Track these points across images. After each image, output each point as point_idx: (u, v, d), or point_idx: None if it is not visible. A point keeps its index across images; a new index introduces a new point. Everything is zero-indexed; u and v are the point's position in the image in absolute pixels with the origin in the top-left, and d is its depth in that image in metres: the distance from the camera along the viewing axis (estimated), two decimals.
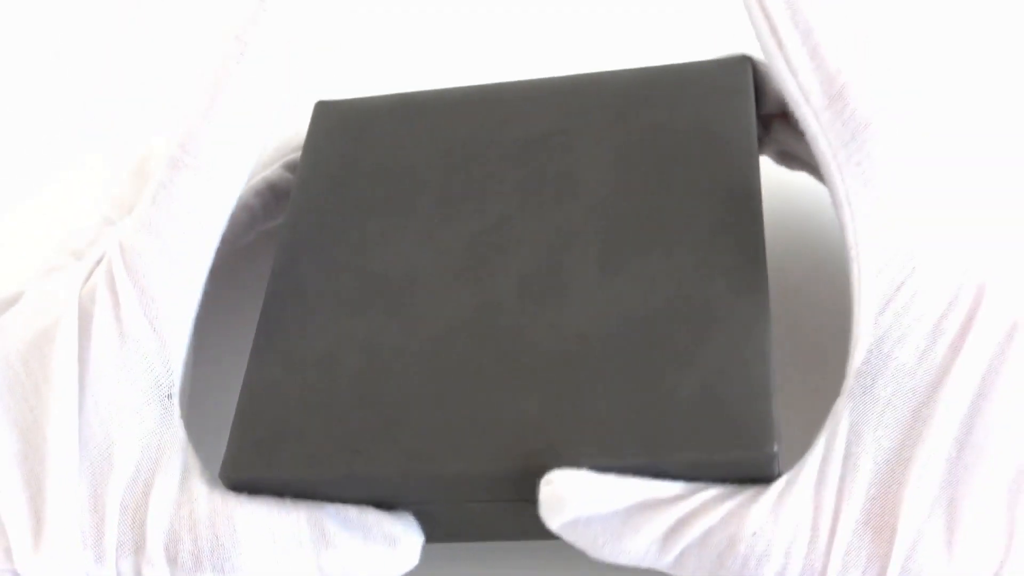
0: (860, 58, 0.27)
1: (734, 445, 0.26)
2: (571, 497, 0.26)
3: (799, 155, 0.34)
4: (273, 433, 0.29)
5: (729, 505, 0.26)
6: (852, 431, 0.26)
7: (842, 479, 0.25)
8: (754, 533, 0.25)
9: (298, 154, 0.36)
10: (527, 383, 0.28)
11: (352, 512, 0.28)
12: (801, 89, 0.27)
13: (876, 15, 0.30)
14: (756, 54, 0.32)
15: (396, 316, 0.30)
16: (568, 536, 0.27)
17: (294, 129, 0.37)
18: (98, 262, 0.31)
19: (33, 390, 0.29)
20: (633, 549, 0.26)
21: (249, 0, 0.30)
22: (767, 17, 0.28)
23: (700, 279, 0.28)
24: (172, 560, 0.28)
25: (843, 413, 0.26)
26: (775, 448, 0.26)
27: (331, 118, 0.36)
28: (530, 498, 0.27)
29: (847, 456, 0.26)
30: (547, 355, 0.28)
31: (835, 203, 0.27)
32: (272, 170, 0.36)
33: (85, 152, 0.45)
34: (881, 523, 0.25)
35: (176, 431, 0.29)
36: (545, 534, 0.27)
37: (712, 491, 0.26)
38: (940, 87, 0.32)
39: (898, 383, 0.26)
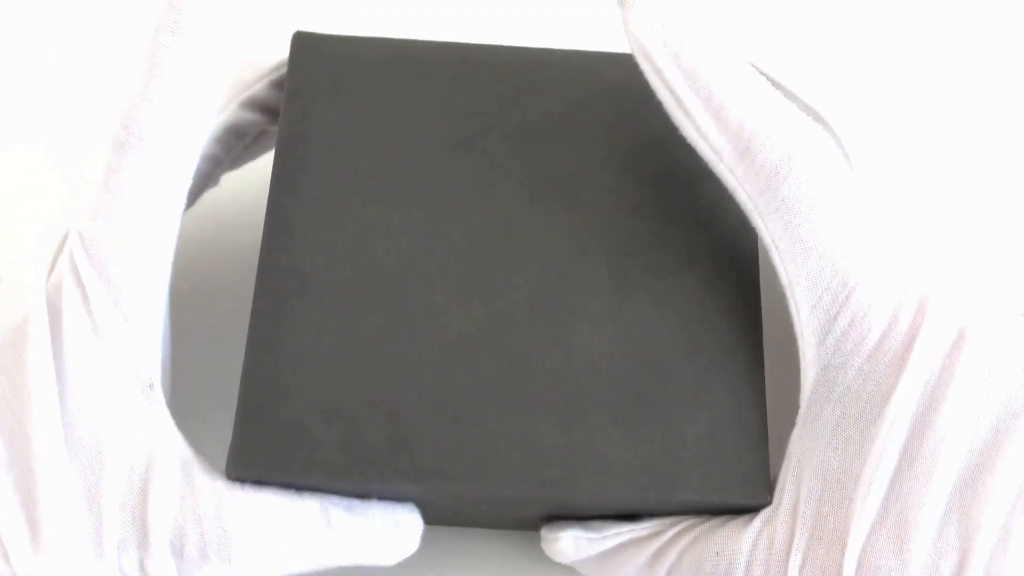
0: (764, 106, 0.28)
1: (735, 492, 0.28)
2: (569, 549, 0.30)
3: None
4: (281, 433, 0.28)
5: (696, 532, 0.29)
6: (804, 455, 0.28)
7: (796, 502, 0.28)
8: (717, 552, 0.28)
9: (255, 88, 0.33)
10: (540, 407, 0.29)
11: (356, 499, 0.29)
12: (713, 150, 0.28)
13: (774, 60, 0.32)
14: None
15: (404, 319, 0.29)
16: (576, 566, 0.31)
17: (245, 61, 0.34)
18: (59, 251, 0.29)
19: (12, 391, 0.27)
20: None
21: None
22: (670, 89, 0.28)
23: (702, 313, 0.30)
24: (178, 553, 0.28)
25: (797, 441, 0.28)
26: (767, 496, 0.28)
27: (314, 58, 0.32)
28: (536, 513, 0.29)
29: (800, 481, 0.28)
30: (558, 379, 0.29)
31: (766, 248, 0.29)
32: (229, 111, 0.33)
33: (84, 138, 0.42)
34: (833, 536, 0.27)
35: (164, 421, 0.28)
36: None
37: (686, 522, 0.29)
38: (858, 114, 0.34)
39: (844, 406, 0.28)
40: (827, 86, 0.40)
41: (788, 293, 0.28)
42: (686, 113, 0.28)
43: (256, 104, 0.33)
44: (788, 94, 0.31)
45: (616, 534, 0.30)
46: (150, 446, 0.28)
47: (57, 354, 0.28)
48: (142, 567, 0.28)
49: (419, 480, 0.28)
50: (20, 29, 0.45)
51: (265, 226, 0.30)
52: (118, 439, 0.28)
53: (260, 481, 0.28)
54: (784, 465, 0.28)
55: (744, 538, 0.28)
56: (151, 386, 0.28)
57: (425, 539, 0.30)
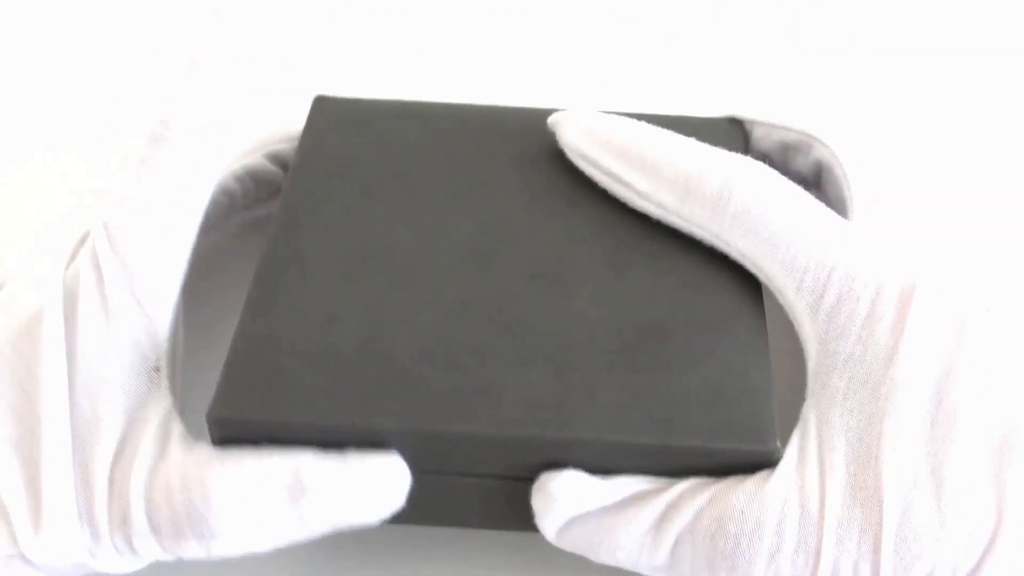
0: (689, 153, 0.31)
1: (741, 438, 0.27)
2: (562, 495, 0.27)
3: None
4: (266, 378, 0.28)
5: (714, 488, 0.27)
6: (820, 420, 0.27)
7: (820, 460, 0.27)
8: (742, 511, 0.26)
9: (281, 146, 0.36)
10: (537, 360, 0.28)
11: (332, 455, 0.27)
12: (660, 206, 0.31)
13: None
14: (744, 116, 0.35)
15: (401, 288, 0.30)
16: (565, 543, 0.28)
17: (279, 123, 0.37)
18: (81, 243, 0.31)
19: (26, 373, 0.28)
20: (627, 542, 0.27)
21: None
22: (608, 173, 0.32)
23: (700, 288, 0.30)
24: (156, 530, 0.27)
25: (810, 411, 0.28)
26: (777, 443, 0.27)
27: (330, 114, 0.36)
28: (529, 477, 0.27)
29: (821, 441, 0.27)
30: (557, 338, 0.29)
31: (746, 266, 0.30)
32: (254, 158, 0.36)
33: (82, 140, 0.45)
34: (867, 496, 0.26)
35: (164, 403, 0.29)
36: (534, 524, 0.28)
37: (697, 480, 0.27)
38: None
39: (851, 372, 0.28)
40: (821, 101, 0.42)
41: (771, 288, 0.30)
42: (627, 185, 0.31)
43: (278, 159, 0.36)
44: (776, 128, 0.34)
45: (622, 484, 0.27)
46: (143, 426, 0.28)
47: (69, 336, 0.29)
48: (130, 545, 0.27)
49: (408, 422, 0.27)
50: (17, 32, 0.48)
51: (274, 225, 0.32)
52: (115, 417, 0.28)
53: (244, 424, 0.27)
54: (799, 429, 0.28)
55: (771, 494, 0.26)
56: (157, 369, 0.29)
57: (420, 544, 0.30)
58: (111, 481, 0.28)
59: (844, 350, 0.28)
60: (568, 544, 0.28)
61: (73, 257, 0.31)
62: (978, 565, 0.26)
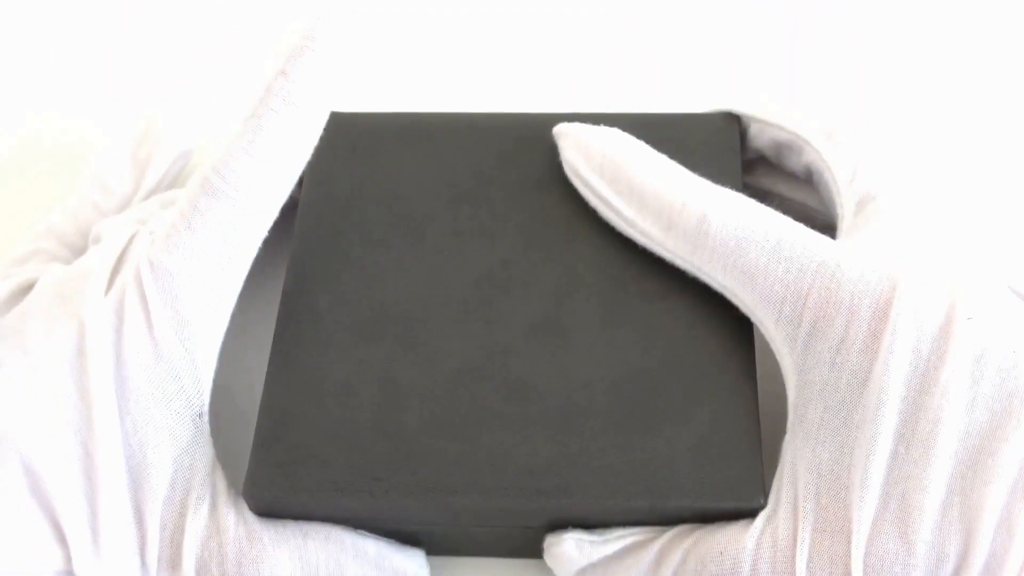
0: (674, 183, 0.31)
1: (728, 496, 0.29)
2: (568, 556, 0.30)
3: (775, 194, 0.36)
4: (294, 455, 0.30)
5: (701, 531, 0.29)
6: (796, 456, 0.28)
7: (795, 498, 0.28)
8: (721, 552, 0.28)
9: None
10: (537, 426, 0.30)
11: (371, 548, 0.31)
12: (644, 235, 0.32)
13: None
14: (740, 111, 0.35)
15: (410, 350, 0.31)
16: None
17: None
18: (114, 270, 0.31)
19: (65, 398, 0.29)
20: None
21: (293, 31, 0.31)
22: (598, 196, 0.33)
23: (692, 335, 0.31)
24: None
25: (787, 447, 0.29)
26: (762, 499, 0.29)
27: (342, 131, 0.36)
28: (536, 525, 0.30)
29: (796, 477, 0.28)
30: (554, 401, 0.30)
31: (730, 299, 0.31)
32: None
33: (75, 123, 0.45)
34: (836, 527, 0.27)
35: (206, 450, 0.30)
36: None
37: (686, 526, 0.29)
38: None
39: (825, 402, 0.28)
40: (822, 109, 0.41)
41: (755, 320, 0.30)
42: (616, 212, 0.32)
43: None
44: (770, 126, 0.34)
45: (619, 536, 0.30)
46: (190, 473, 0.30)
47: (118, 376, 0.30)
48: None
49: (420, 495, 0.29)
50: (16, 35, 0.48)
51: (287, 271, 0.33)
52: (164, 461, 0.30)
53: (276, 501, 0.30)
54: (778, 471, 0.29)
55: (747, 537, 0.28)
56: (200, 415, 0.30)
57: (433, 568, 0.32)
58: (162, 526, 0.29)
59: (819, 379, 0.28)
60: None
61: (110, 285, 0.31)
62: None
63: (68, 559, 0.29)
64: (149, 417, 0.30)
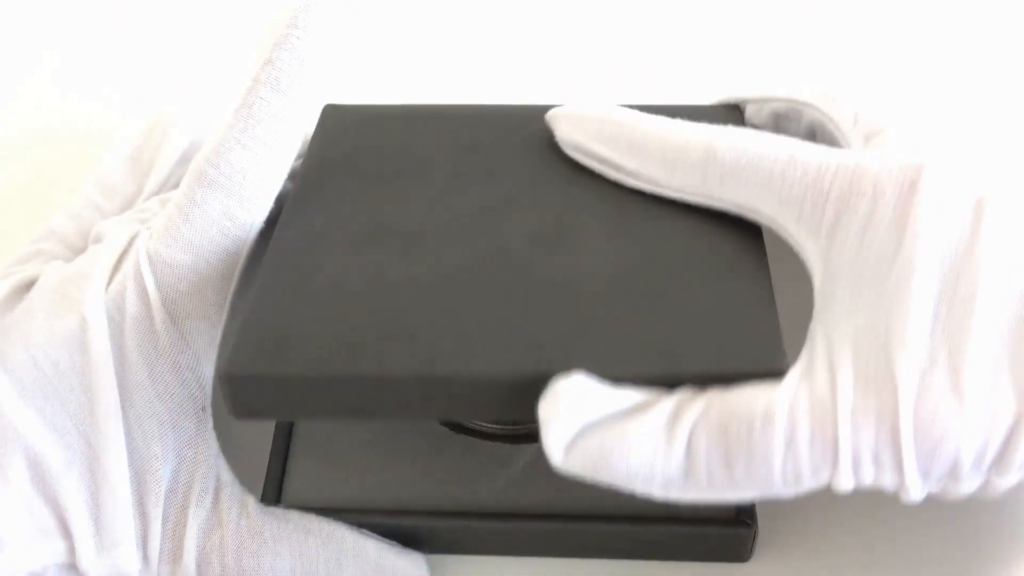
0: (671, 130, 0.31)
1: (748, 360, 0.26)
2: (569, 395, 0.26)
3: None
4: (278, 336, 0.28)
5: (722, 389, 0.26)
6: (828, 330, 0.27)
7: (830, 360, 0.26)
8: (754, 397, 0.26)
9: (298, 161, 0.37)
10: (539, 306, 0.28)
11: (371, 548, 0.31)
12: (651, 182, 0.32)
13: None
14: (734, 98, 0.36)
15: (407, 256, 0.30)
16: (574, 461, 0.26)
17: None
18: (115, 267, 0.31)
19: (68, 393, 0.30)
20: (640, 444, 0.26)
21: (278, 20, 0.31)
22: (600, 159, 0.33)
23: (700, 242, 0.30)
24: None
25: (817, 327, 0.27)
26: (785, 360, 0.26)
27: (338, 121, 0.36)
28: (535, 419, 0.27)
29: (829, 345, 0.26)
30: (559, 287, 0.29)
31: (744, 216, 0.30)
32: None
33: (83, 115, 0.46)
34: (880, 383, 0.25)
35: (210, 443, 0.31)
36: (543, 548, 0.30)
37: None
38: None
39: (856, 276, 0.27)
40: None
41: (774, 228, 0.30)
42: (618, 168, 0.32)
43: (292, 174, 0.37)
44: (766, 101, 0.35)
45: (631, 393, 0.26)
46: (194, 466, 0.30)
47: (121, 371, 0.30)
48: None
49: (414, 367, 0.27)
50: (13, 38, 0.49)
51: (284, 212, 0.32)
52: (168, 455, 0.30)
53: (255, 380, 0.27)
54: (807, 346, 0.27)
55: (780, 390, 0.26)
56: (204, 409, 0.31)
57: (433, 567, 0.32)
58: (164, 519, 0.30)
59: (847, 259, 0.27)
60: (576, 459, 0.26)
61: (110, 280, 0.31)
62: (1005, 448, 0.25)
63: (71, 552, 0.29)
64: (152, 410, 0.30)
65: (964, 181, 0.27)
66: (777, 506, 0.31)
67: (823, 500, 0.32)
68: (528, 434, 0.32)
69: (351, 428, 0.33)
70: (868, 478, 0.25)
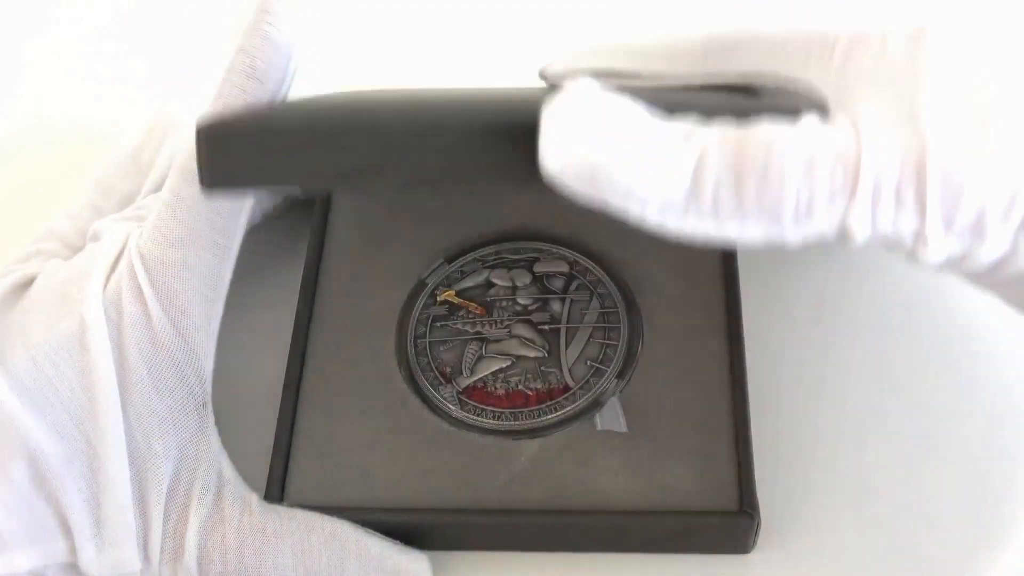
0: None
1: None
2: (577, 97, 0.24)
3: None
4: (253, 138, 0.27)
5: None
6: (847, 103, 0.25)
7: (853, 113, 0.24)
8: (772, 122, 0.24)
9: None
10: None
11: (374, 547, 0.31)
12: (676, 78, 0.30)
13: None
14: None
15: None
16: (569, 170, 0.23)
17: None
18: (112, 267, 0.31)
19: (68, 393, 0.30)
20: (645, 161, 0.23)
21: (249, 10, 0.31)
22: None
23: None
24: (204, 575, 0.30)
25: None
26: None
27: None
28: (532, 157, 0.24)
29: (852, 103, 0.25)
30: None
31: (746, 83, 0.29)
32: None
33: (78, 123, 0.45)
34: (908, 124, 0.24)
35: (211, 440, 0.31)
36: (545, 543, 0.30)
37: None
38: None
39: (874, 82, 0.25)
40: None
41: (779, 83, 0.27)
42: (620, 74, 0.30)
43: None
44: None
45: (646, 108, 0.24)
46: (195, 464, 0.30)
47: (120, 369, 0.30)
48: None
49: (395, 119, 0.26)
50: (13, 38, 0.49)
51: None
52: (169, 453, 0.30)
53: (236, 134, 0.27)
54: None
55: (798, 127, 0.24)
56: (204, 405, 0.31)
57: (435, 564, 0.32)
58: (166, 517, 0.30)
59: (864, 75, 0.25)
60: (572, 169, 0.23)
61: (107, 280, 0.31)
62: None
63: (72, 551, 0.29)
64: (152, 408, 0.30)
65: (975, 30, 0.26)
66: (779, 497, 0.32)
67: (825, 491, 0.32)
68: (529, 430, 0.33)
69: (354, 426, 0.33)
70: (887, 220, 0.23)
